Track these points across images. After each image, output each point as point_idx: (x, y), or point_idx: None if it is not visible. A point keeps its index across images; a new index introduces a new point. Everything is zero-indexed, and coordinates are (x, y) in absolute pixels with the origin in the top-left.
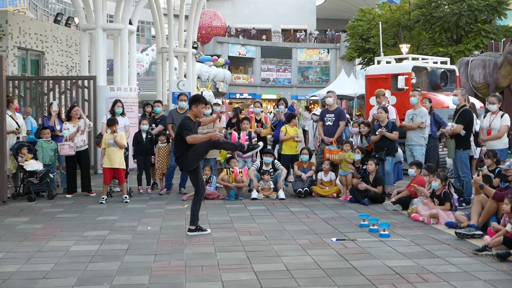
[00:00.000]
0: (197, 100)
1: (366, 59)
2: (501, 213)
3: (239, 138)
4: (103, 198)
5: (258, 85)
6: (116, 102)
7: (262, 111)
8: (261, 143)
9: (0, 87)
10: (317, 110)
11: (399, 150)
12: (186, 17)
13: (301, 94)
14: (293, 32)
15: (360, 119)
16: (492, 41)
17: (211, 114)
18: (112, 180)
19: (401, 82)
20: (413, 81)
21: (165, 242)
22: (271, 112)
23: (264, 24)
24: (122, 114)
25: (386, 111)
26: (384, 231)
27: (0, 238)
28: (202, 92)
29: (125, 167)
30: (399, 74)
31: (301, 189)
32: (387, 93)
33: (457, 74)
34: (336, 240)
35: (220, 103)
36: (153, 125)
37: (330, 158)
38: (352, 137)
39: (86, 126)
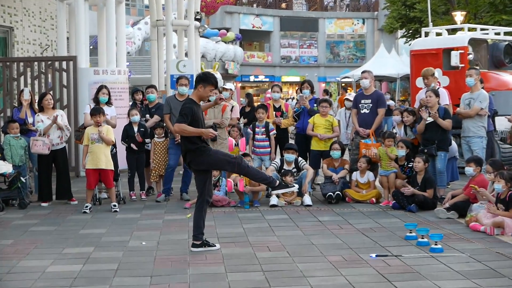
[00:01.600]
0: (206, 79)
1: (411, 31)
2: None
3: (236, 144)
4: (86, 206)
5: (277, 64)
6: (101, 88)
7: (282, 98)
8: (297, 186)
9: None
10: (351, 95)
11: (453, 143)
12: None
13: (330, 75)
14: None
15: (404, 105)
16: None
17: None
18: (97, 185)
19: (455, 59)
20: (470, 57)
21: (163, 260)
22: (294, 98)
23: None
24: (108, 103)
25: (437, 94)
26: (436, 244)
27: None
28: None
29: (113, 168)
30: (452, 49)
31: (331, 193)
32: (438, 72)
33: None
34: (376, 256)
35: (232, 88)
36: (147, 115)
37: (367, 154)
38: (394, 128)
39: (64, 133)
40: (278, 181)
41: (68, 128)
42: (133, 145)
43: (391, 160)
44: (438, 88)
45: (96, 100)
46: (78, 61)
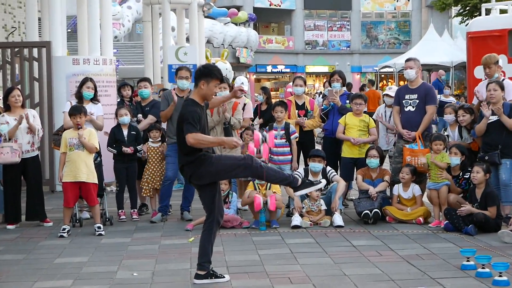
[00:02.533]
0: (208, 73)
1: (468, 8)
2: None
3: (264, 140)
4: (64, 229)
5: (300, 51)
6: (85, 81)
7: (306, 93)
8: (324, 181)
9: None
10: (391, 89)
11: None
12: None
13: (366, 64)
14: None
15: (459, 101)
16: None
17: None
18: (77, 202)
19: None
20: None
21: None
22: (321, 92)
23: None
24: (94, 99)
25: (502, 87)
26: (500, 276)
27: None
28: (214, 63)
29: (96, 181)
30: None
31: (368, 212)
32: (502, 59)
33: None
34: None
35: (245, 82)
36: (139, 115)
37: (413, 162)
38: (446, 130)
39: (35, 138)
40: (300, 179)
41: (40, 131)
42: (126, 149)
43: (442, 170)
44: (503, 79)
45: (79, 95)
46: (52, 47)
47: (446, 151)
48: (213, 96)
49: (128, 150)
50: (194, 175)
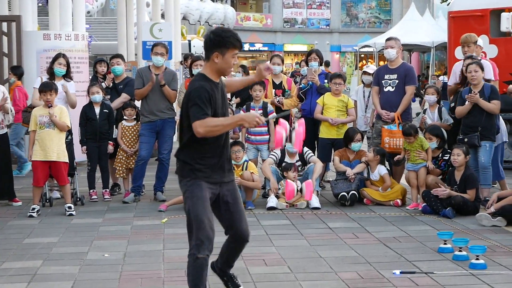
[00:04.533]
0: (222, 42)
1: None
2: None
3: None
4: (33, 209)
5: (278, 29)
6: (57, 57)
7: (284, 72)
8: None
9: None
10: (369, 67)
11: (503, 128)
12: None
13: (346, 43)
14: None
15: (438, 80)
16: None
17: None
18: (48, 181)
19: (505, 23)
20: None
21: (131, 277)
22: (296, 72)
23: None
24: (67, 76)
25: (482, 68)
26: (477, 259)
27: None
28: (190, 41)
29: (67, 160)
30: (503, 10)
31: (345, 193)
32: (483, 39)
33: None
34: (401, 273)
35: None
36: (106, 83)
37: (391, 143)
38: (425, 111)
39: (8, 116)
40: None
41: (11, 109)
42: (110, 146)
43: (421, 151)
44: (480, 60)
45: (50, 72)
46: (22, 22)
47: (424, 135)
48: (231, 69)
49: (110, 147)
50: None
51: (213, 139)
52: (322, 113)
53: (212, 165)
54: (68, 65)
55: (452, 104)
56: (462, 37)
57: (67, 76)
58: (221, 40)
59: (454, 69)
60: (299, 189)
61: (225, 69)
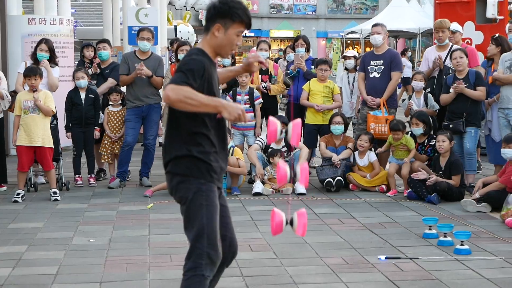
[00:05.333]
0: (228, 12)
1: None
2: None
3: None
4: (18, 194)
5: (264, 15)
6: (40, 42)
7: (271, 57)
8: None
9: None
10: (349, 52)
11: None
12: None
13: (332, 29)
14: None
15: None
16: None
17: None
18: (32, 166)
19: (491, 9)
20: None
21: (117, 262)
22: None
23: None
24: (51, 61)
25: (466, 54)
26: (462, 244)
27: None
28: (176, 26)
29: (52, 145)
30: None
31: (331, 179)
32: (470, 26)
33: None
34: (386, 258)
35: None
36: (93, 69)
37: (376, 129)
38: (411, 98)
39: (6, 100)
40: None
41: (7, 94)
42: (96, 132)
43: (404, 146)
44: (452, 45)
45: (34, 57)
46: (7, 6)
47: (410, 122)
48: (232, 50)
49: (97, 133)
50: (180, 190)
51: (217, 128)
52: (308, 99)
53: (221, 166)
54: (51, 50)
55: (428, 90)
56: (436, 22)
57: (52, 62)
58: (227, 10)
59: (426, 55)
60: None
61: (225, 48)
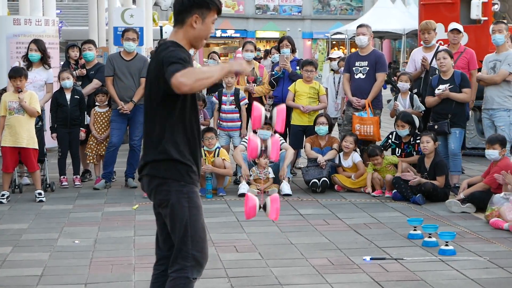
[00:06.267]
0: (204, 0)
1: None
2: None
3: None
4: (3, 195)
5: (250, 16)
6: (30, 43)
7: (257, 57)
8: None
9: None
10: (334, 53)
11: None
12: None
13: (318, 30)
14: None
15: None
16: None
17: None
18: (17, 167)
19: (475, 10)
20: (495, 8)
21: (102, 264)
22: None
23: None
24: (44, 62)
25: (451, 55)
26: (446, 245)
27: None
28: (162, 27)
29: (37, 146)
30: None
31: (316, 180)
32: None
33: None
34: (371, 259)
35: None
36: (81, 70)
37: (361, 130)
38: (397, 99)
39: None
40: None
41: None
42: (82, 133)
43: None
44: (439, 47)
45: (27, 57)
46: None
47: (395, 124)
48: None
49: (82, 134)
50: (158, 186)
51: (192, 128)
52: (294, 100)
53: (198, 166)
54: (42, 51)
55: (415, 91)
56: (422, 23)
57: (44, 62)
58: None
59: (413, 56)
60: (270, 176)
61: (202, 38)
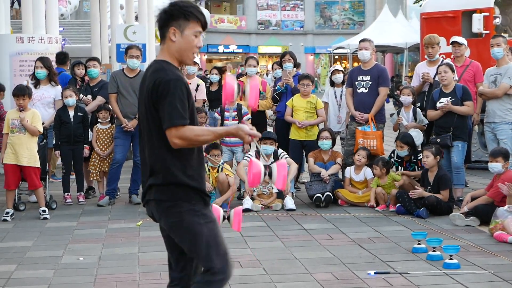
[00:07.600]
0: (179, 12)
1: None
2: None
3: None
4: (7, 213)
5: (252, 31)
6: (36, 60)
7: (260, 73)
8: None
9: None
10: (336, 67)
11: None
12: None
13: (320, 45)
14: None
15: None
16: None
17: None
18: (20, 184)
19: (477, 24)
20: (497, 21)
21: (106, 281)
22: (270, 72)
23: None
24: (51, 79)
25: (452, 69)
26: (451, 259)
27: None
28: None
29: (38, 165)
30: (475, 11)
31: (320, 195)
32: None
33: None
34: (376, 273)
35: (197, 61)
36: (87, 96)
37: (365, 145)
38: (400, 113)
39: None
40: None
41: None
42: (85, 150)
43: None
44: (443, 60)
45: (34, 75)
46: None
47: (396, 141)
48: (195, 54)
49: (86, 151)
50: (170, 219)
51: (196, 150)
52: (292, 115)
53: (204, 184)
54: (48, 68)
55: (418, 104)
56: (425, 38)
57: (52, 79)
58: (178, 10)
59: (417, 70)
60: (273, 191)
61: (186, 52)
